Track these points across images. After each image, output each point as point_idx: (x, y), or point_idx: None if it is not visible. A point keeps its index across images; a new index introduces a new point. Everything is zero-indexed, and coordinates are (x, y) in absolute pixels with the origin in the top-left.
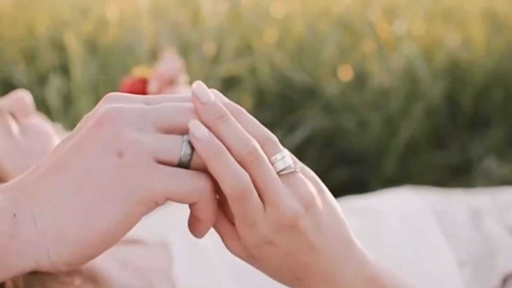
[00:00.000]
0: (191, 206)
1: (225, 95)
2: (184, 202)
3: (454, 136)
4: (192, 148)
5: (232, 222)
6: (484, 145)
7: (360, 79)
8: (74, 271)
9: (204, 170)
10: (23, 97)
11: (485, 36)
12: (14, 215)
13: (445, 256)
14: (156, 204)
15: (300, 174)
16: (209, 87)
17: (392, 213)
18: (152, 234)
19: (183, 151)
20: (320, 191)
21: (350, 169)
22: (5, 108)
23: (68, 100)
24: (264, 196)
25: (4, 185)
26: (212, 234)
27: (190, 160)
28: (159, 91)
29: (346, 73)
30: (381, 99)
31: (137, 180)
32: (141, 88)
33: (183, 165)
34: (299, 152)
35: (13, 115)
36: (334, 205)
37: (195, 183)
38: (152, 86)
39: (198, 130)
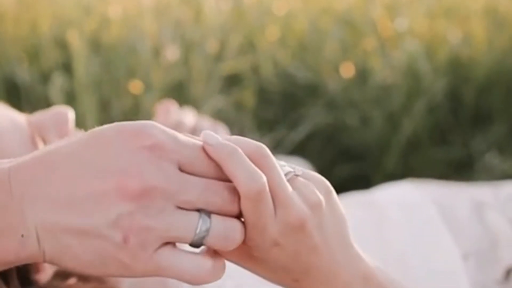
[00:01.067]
0: None
1: (228, 92)
2: None
3: (456, 132)
4: (206, 231)
5: None
6: (485, 140)
7: (362, 75)
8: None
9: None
10: (65, 114)
11: (486, 32)
12: (22, 236)
13: (449, 249)
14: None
15: (301, 178)
16: (212, 84)
17: (394, 206)
18: None
19: (197, 236)
20: (328, 192)
21: (352, 165)
22: (39, 124)
23: (71, 98)
24: (275, 197)
25: (12, 171)
26: None
27: (204, 238)
28: None
29: (348, 70)
30: (383, 95)
31: (131, 268)
32: None
33: (195, 245)
34: (302, 149)
35: (44, 132)
36: (338, 206)
37: (187, 275)
38: None
39: (210, 137)
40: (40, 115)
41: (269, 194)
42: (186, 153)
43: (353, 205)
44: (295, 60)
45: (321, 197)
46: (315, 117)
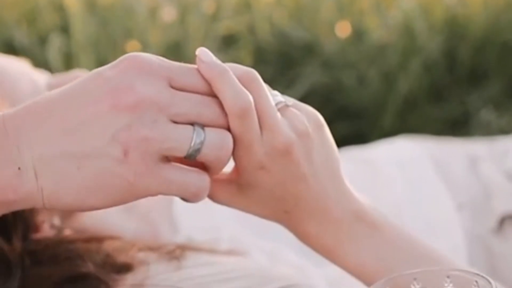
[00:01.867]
0: None
1: (224, 52)
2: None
3: (452, 90)
4: (201, 142)
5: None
6: (481, 97)
7: (359, 35)
8: (79, 232)
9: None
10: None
11: None
12: (19, 168)
13: (443, 200)
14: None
15: (293, 109)
16: (209, 44)
17: (389, 161)
18: None
19: (192, 147)
20: (319, 126)
21: (349, 124)
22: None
23: (69, 59)
24: (262, 120)
25: (8, 116)
26: None
27: (198, 151)
28: None
29: (344, 29)
30: (379, 54)
31: (135, 182)
32: None
33: (190, 158)
34: None
35: None
36: (328, 140)
37: (193, 185)
38: None
39: (205, 54)
40: (60, 78)
41: (254, 113)
42: (175, 69)
43: (347, 159)
44: (292, 19)
45: (310, 128)
46: (311, 77)
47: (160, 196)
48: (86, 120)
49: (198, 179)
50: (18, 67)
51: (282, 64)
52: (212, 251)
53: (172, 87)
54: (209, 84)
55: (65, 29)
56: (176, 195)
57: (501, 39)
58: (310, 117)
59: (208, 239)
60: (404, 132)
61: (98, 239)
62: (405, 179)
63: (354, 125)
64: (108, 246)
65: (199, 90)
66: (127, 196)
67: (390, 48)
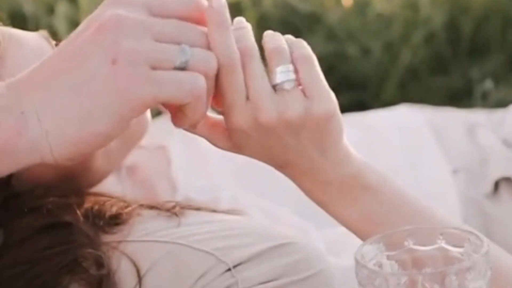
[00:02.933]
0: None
1: None
2: (175, 104)
3: (453, 62)
4: (188, 57)
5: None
6: (482, 70)
7: (362, 6)
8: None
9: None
10: None
11: None
12: (22, 112)
13: (440, 164)
14: (146, 108)
15: (297, 93)
16: None
17: (389, 126)
18: (151, 139)
19: (179, 59)
20: (321, 117)
21: (352, 94)
22: None
23: (76, 27)
24: (249, 91)
25: (9, 81)
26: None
27: (186, 63)
28: None
29: (348, 1)
30: (382, 26)
31: (127, 89)
32: None
33: (179, 69)
34: None
35: None
36: (328, 131)
37: (188, 85)
38: None
39: (217, 1)
40: None
41: (241, 72)
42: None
43: (347, 124)
44: None
45: (302, 117)
46: (315, 47)
47: (160, 159)
48: (75, 50)
49: (191, 76)
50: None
51: (285, 33)
52: (211, 209)
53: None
54: (189, 13)
55: None
56: (172, 99)
57: (503, 13)
58: (316, 105)
59: (208, 198)
60: (406, 102)
61: (85, 194)
62: (403, 144)
63: (356, 95)
64: (97, 200)
65: (178, 17)
66: (124, 108)
67: (393, 19)
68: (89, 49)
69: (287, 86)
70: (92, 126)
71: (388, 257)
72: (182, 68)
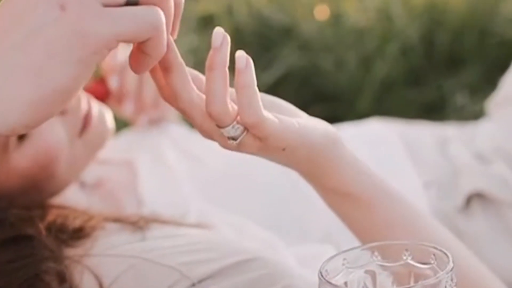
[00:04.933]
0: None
1: (202, 33)
2: (135, 41)
3: (429, 74)
4: None
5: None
6: (458, 83)
7: (337, 18)
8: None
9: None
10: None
11: None
12: None
13: (411, 178)
14: (108, 49)
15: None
16: (186, 25)
17: (360, 140)
18: (117, 153)
19: None
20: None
21: (326, 106)
22: None
23: None
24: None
25: None
26: (181, 152)
27: (137, 3)
28: (122, 83)
29: (322, 13)
30: (357, 38)
31: (82, 30)
32: (102, 89)
33: (132, 3)
34: (276, 90)
35: None
36: (278, 145)
37: (146, 17)
38: (112, 81)
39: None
40: None
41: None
42: None
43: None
44: (270, 1)
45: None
46: (289, 59)
47: (126, 174)
48: (15, 4)
49: (148, 9)
50: None
51: (260, 46)
52: (177, 223)
53: None
54: None
55: None
56: (132, 35)
57: (479, 26)
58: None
59: (175, 212)
60: (381, 115)
61: (48, 207)
62: (373, 157)
63: (331, 108)
64: (60, 213)
65: None
66: (84, 51)
67: (368, 32)
68: (34, 1)
69: (237, 138)
70: (50, 79)
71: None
72: (135, 4)
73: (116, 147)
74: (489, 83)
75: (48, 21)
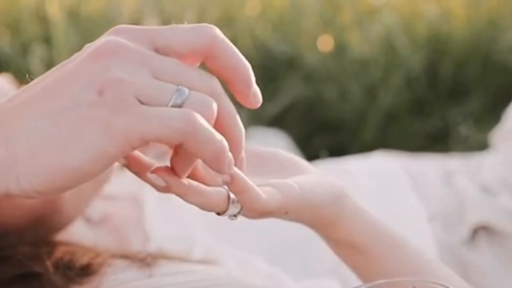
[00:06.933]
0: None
1: (207, 66)
2: (166, 144)
3: (433, 105)
4: (184, 99)
5: None
6: (462, 113)
7: (341, 49)
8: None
9: None
10: None
11: (464, 8)
12: None
13: (416, 211)
14: (131, 147)
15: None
16: None
17: (365, 172)
18: (122, 188)
19: (173, 100)
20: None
21: (330, 137)
22: None
23: (51, 69)
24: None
25: None
26: None
27: (180, 106)
28: None
29: (326, 44)
30: (361, 68)
31: (110, 121)
32: None
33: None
34: (280, 121)
35: None
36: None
37: (177, 120)
38: None
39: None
40: None
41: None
42: (162, 33)
43: (324, 170)
44: (274, 33)
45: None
46: (293, 90)
47: (132, 210)
48: (61, 75)
49: (179, 112)
50: None
51: (264, 77)
52: (184, 259)
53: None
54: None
55: (47, 39)
56: (160, 137)
57: (483, 55)
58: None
59: (181, 248)
60: (385, 145)
61: (56, 244)
62: (379, 190)
63: (335, 139)
64: (68, 250)
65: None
66: (106, 144)
67: (372, 62)
68: (76, 75)
69: (237, 213)
70: (68, 158)
71: None
72: (177, 106)
73: (121, 181)
74: (493, 112)
75: (83, 102)
